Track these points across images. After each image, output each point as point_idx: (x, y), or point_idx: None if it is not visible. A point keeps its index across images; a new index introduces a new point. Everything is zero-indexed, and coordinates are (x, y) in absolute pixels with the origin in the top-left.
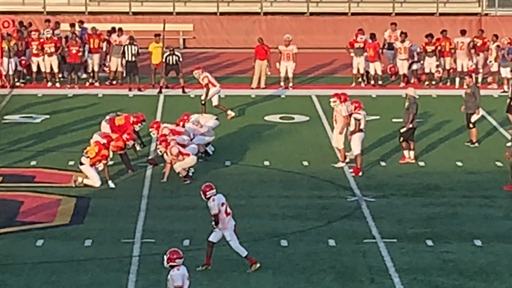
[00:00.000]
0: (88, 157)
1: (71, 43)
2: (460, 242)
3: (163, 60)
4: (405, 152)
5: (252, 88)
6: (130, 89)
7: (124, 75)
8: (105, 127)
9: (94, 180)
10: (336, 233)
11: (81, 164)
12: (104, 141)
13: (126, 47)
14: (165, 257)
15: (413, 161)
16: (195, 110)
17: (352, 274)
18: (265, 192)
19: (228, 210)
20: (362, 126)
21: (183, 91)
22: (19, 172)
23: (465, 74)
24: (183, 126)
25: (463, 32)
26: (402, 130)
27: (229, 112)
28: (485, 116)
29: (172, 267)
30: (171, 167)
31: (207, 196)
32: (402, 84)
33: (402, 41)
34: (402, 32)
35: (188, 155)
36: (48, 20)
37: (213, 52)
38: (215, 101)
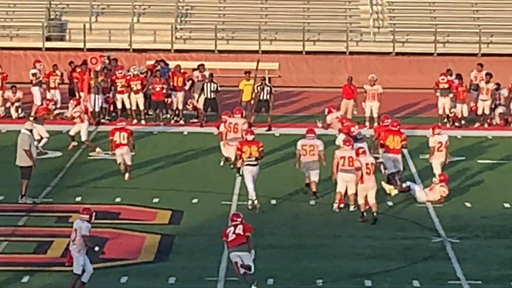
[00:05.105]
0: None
1: (154, 81)
2: None
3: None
4: None
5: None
6: (201, 126)
7: (203, 111)
8: None
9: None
10: (420, 274)
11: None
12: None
13: (205, 84)
14: None
15: None
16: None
17: None
18: (349, 232)
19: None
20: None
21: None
22: (104, 208)
23: None
24: None
25: None
26: None
27: None
28: None
29: None
30: None
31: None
32: (477, 124)
33: (487, 82)
34: (487, 73)
35: None
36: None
37: (298, 91)
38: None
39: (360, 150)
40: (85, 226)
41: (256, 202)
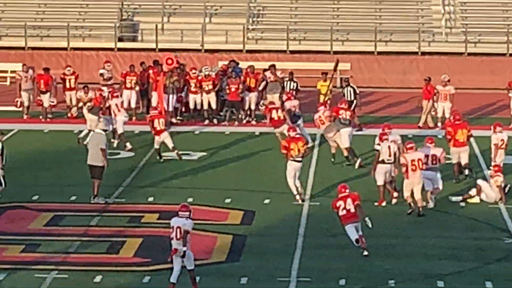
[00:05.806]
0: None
1: (230, 81)
2: None
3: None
4: None
5: (419, 127)
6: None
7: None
8: None
9: None
10: (493, 275)
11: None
12: None
13: (286, 82)
14: None
15: None
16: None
17: None
18: (421, 232)
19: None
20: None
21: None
22: (176, 209)
23: None
24: None
25: None
26: None
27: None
28: None
29: None
30: None
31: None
32: None
33: None
34: None
35: None
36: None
37: (370, 91)
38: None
39: (408, 146)
40: (189, 222)
41: (300, 190)
